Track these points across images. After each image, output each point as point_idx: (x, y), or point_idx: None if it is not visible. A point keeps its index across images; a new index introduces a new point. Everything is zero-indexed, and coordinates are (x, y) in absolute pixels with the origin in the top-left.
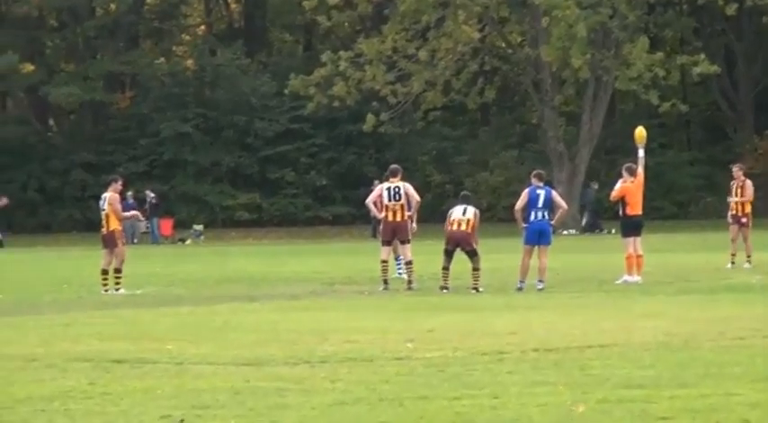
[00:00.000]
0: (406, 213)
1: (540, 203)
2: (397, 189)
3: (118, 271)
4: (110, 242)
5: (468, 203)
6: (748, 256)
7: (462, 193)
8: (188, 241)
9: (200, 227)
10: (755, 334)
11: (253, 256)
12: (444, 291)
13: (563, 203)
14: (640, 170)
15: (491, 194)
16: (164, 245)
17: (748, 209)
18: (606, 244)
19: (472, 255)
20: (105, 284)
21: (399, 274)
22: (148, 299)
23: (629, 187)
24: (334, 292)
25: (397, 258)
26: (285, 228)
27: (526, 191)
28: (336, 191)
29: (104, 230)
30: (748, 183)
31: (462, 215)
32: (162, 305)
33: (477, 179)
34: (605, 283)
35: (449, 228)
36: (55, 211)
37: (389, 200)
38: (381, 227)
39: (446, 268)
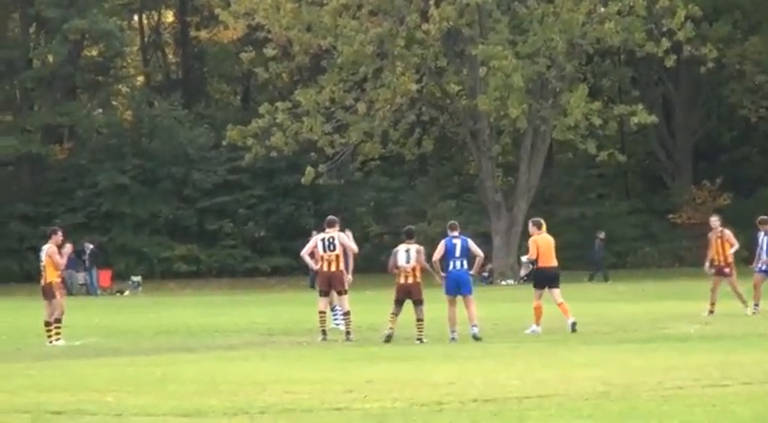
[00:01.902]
0: (341, 264)
1: (458, 253)
2: (331, 239)
3: (57, 321)
4: (48, 293)
5: (410, 238)
6: (756, 305)
7: (406, 228)
8: (126, 293)
9: (138, 278)
10: (694, 384)
11: (191, 307)
12: (388, 332)
13: (479, 252)
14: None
15: (429, 244)
16: (102, 296)
17: (731, 259)
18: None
19: (418, 304)
20: (49, 335)
21: (336, 324)
22: (88, 350)
23: (539, 240)
24: (273, 343)
25: (332, 309)
26: (224, 279)
27: (443, 242)
28: (275, 242)
29: (43, 282)
30: (727, 232)
31: (407, 263)
32: (101, 356)
33: (416, 230)
34: (543, 334)
35: (398, 280)
36: None
37: (324, 250)
38: (318, 277)
39: (395, 314)
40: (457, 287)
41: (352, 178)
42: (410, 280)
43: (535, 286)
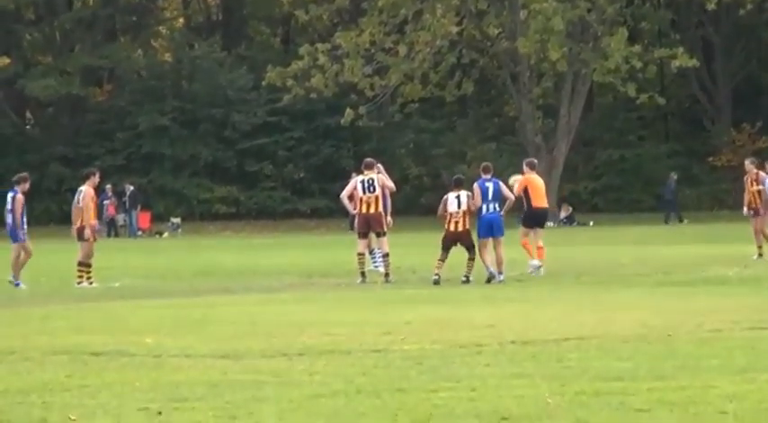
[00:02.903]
0: (380, 206)
1: (491, 196)
2: (370, 181)
3: (82, 265)
4: (81, 235)
5: (460, 188)
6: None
7: (455, 176)
8: (165, 234)
9: (177, 219)
10: (733, 326)
11: (230, 249)
12: (435, 278)
13: (510, 194)
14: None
15: (468, 187)
16: (141, 238)
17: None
18: (587, 236)
19: (470, 248)
20: (80, 277)
21: (375, 266)
22: (126, 291)
23: (531, 179)
24: (312, 285)
25: (371, 252)
26: (263, 221)
27: (476, 185)
28: (314, 184)
29: (78, 223)
30: (762, 174)
31: (458, 208)
32: (139, 298)
33: (455, 172)
34: (583, 275)
35: (448, 226)
36: (32, 205)
37: (363, 192)
38: (357, 219)
39: (442, 260)
40: (490, 229)
41: (392, 120)
42: (460, 227)
43: (525, 224)
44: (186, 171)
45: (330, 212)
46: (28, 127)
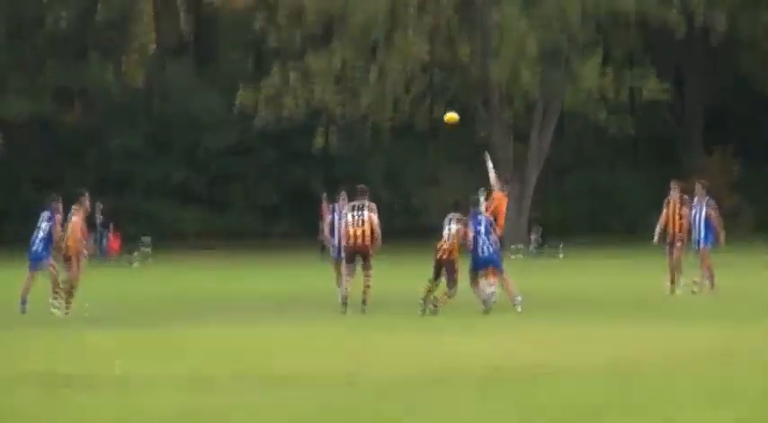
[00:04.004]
0: (368, 238)
1: (483, 231)
2: (361, 208)
3: (64, 290)
4: (68, 259)
5: (457, 210)
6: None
7: (455, 200)
8: (135, 255)
9: (147, 238)
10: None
11: (201, 272)
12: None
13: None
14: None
15: (440, 211)
16: (111, 261)
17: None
18: (557, 263)
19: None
20: (55, 298)
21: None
22: (96, 316)
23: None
24: (283, 309)
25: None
26: (234, 243)
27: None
28: (285, 207)
29: (65, 245)
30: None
31: (447, 239)
32: (109, 323)
33: (427, 196)
34: (555, 305)
35: (437, 253)
36: (2, 227)
37: (354, 225)
38: (344, 249)
39: (431, 281)
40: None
41: (363, 144)
42: (445, 255)
43: None
44: (157, 192)
45: (300, 236)
46: None
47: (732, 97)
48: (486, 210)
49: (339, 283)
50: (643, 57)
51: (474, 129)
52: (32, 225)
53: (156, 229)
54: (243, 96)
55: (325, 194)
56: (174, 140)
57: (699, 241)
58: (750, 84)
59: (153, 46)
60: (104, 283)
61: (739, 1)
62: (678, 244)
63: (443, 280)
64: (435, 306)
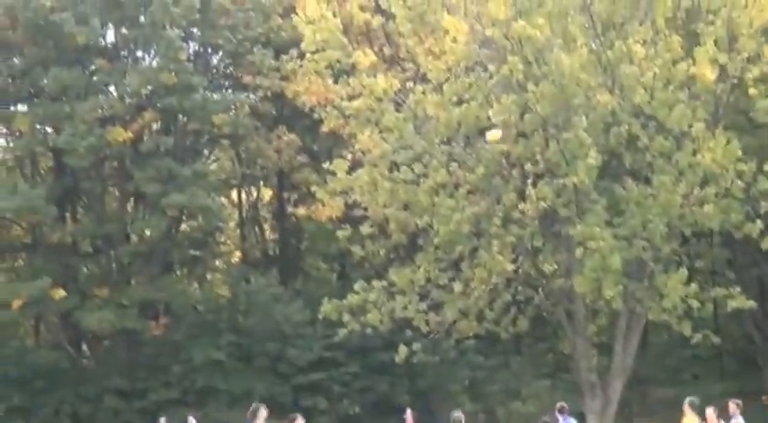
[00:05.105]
0: None
1: None
2: None
3: None
4: None
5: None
6: None
7: (558, 404)
8: None
9: None
10: None
11: None
12: None
13: None
14: None
15: None
16: None
17: None
18: None
19: None
20: None
21: None
22: None
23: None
24: None
25: None
26: None
27: None
28: (369, 419)
29: None
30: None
31: None
32: None
33: (510, 408)
34: None
35: None
36: None
37: None
38: None
39: None
40: None
41: (447, 356)
42: None
43: None
44: (242, 405)
45: None
46: (84, 360)
47: None
48: None
49: None
50: (726, 269)
51: (556, 342)
52: None
53: None
54: (327, 308)
55: (408, 409)
56: (257, 353)
57: None
58: None
59: (237, 259)
60: None
61: None
62: None
63: None
64: None
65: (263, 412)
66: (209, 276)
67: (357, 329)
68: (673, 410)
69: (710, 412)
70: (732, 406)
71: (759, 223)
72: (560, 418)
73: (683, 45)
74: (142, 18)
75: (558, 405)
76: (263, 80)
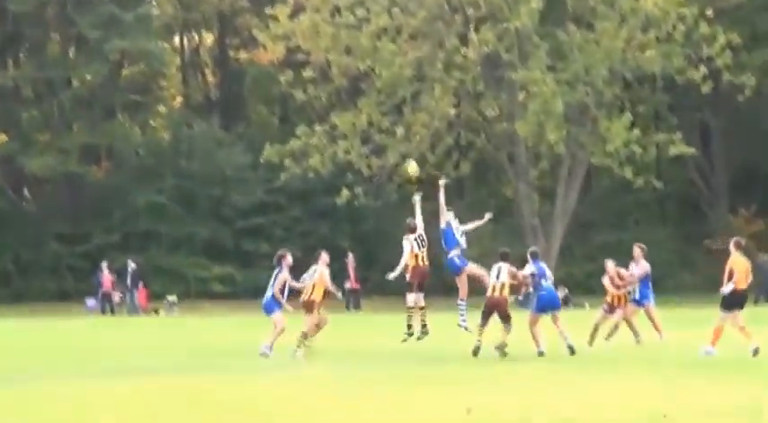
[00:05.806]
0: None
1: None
2: (421, 237)
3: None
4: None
5: (504, 260)
6: None
7: (501, 250)
8: (161, 312)
9: (173, 298)
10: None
11: (226, 328)
12: (477, 344)
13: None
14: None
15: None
16: (139, 316)
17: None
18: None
19: (506, 320)
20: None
21: (463, 321)
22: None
23: (737, 260)
24: (310, 365)
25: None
26: (260, 300)
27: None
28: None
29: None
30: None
31: (496, 279)
32: (137, 375)
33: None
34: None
35: (487, 292)
36: (29, 281)
37: (419, 248)
38: (412, 271)
39: (482, 326)
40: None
41: (389, 200)
42: (497, 293)
43: (725, 308)
44: (183, 249)
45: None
46: (25, 204)
47: (757, 158)
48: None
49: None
50: (669, 115)
51: (500, 185)
52: (59, 280)
53: (181, 285)
54: (269, 153)
55: (350, 253)
56: (199, 197)
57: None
58: None
59: (179, 104)
60: (133, 336)
61: (765, 61)
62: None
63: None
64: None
65: (288, 259)
66: (151, 121)
67: (299, 173)
68: (614, 255)
69: (610, 265)
70: (636, 250)
71: (702, 68)
72: (531, 262)
73: None
74: None
75: (531, 250)
76: None
